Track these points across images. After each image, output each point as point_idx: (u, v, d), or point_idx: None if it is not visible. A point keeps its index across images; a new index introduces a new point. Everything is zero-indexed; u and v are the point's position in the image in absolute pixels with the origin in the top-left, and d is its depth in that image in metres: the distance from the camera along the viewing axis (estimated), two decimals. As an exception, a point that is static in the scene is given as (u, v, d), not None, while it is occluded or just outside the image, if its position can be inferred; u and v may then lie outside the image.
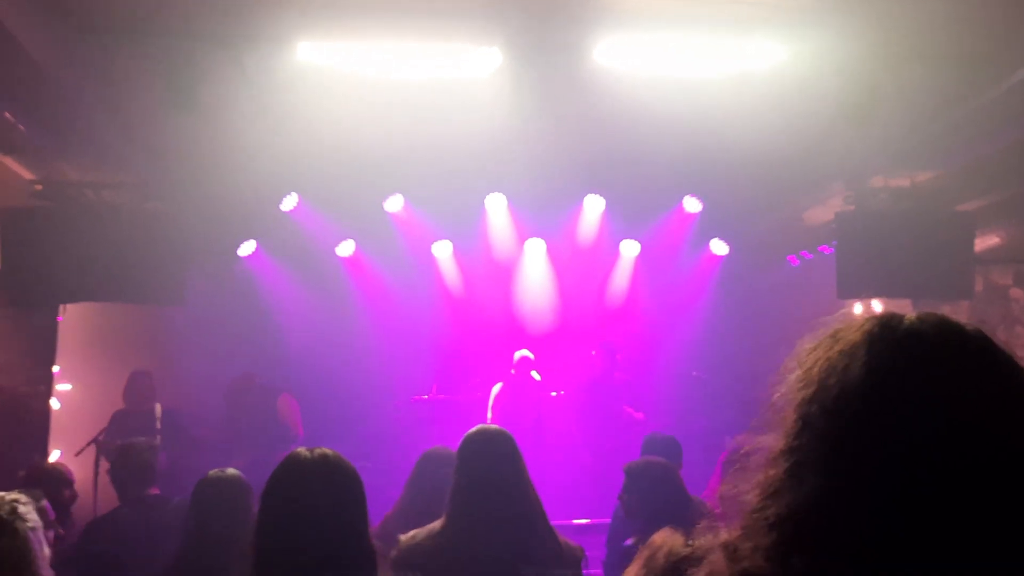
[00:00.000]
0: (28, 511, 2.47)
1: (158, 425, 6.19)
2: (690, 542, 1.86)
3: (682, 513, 1.95)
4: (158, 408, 6.32)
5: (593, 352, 7.43)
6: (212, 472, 3.23)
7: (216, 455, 5.69)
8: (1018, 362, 0.86)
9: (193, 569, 2.95)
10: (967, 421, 0.80)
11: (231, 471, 3.18)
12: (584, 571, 2.86)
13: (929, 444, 0.79)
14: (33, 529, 2.44)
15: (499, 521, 2.67)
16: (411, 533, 2.75)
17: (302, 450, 2.18)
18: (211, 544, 2.92)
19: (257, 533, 2.07)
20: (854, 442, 0.82)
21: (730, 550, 0.88)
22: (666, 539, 1.99)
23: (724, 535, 0.91)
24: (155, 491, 4.12)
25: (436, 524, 2.73)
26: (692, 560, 0.97)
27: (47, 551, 2.54)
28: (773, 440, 0.88)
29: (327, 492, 2.09)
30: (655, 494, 3.66)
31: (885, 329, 0.88)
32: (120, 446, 4.41)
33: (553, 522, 2.86)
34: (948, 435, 0.79)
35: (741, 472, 0.91)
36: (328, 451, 2.18)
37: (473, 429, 2.87)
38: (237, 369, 6.99)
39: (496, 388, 7.26)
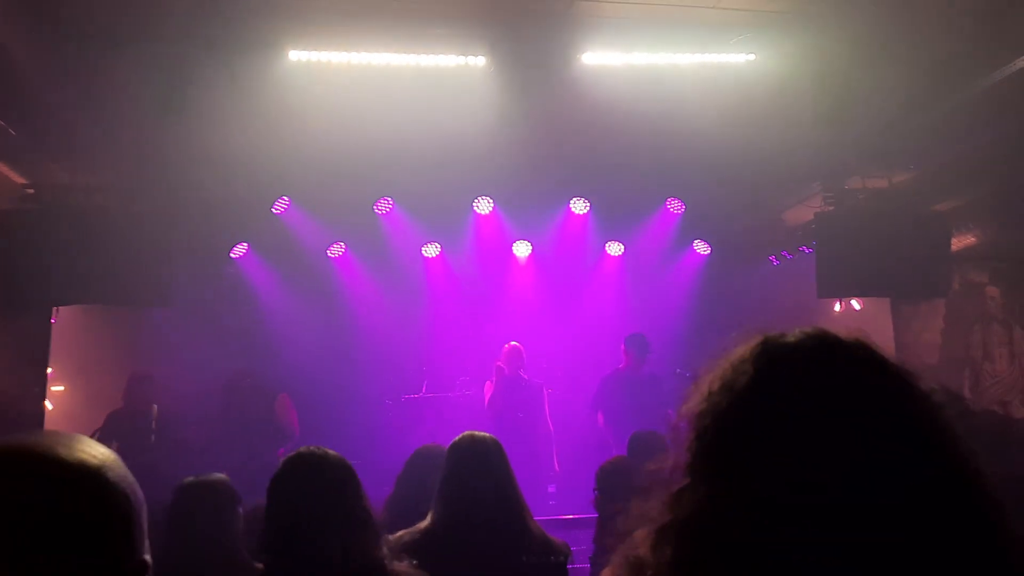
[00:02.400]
0: None
1: (153, 426, 6.20)
2: None
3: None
4: (155, 409, 6.30)
5: (624, 346, 7.24)
6: (187, 479, 3.03)
7: (209, 455, 5.70)
8: (899, 372, 0.91)
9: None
10: (839, 427, 0.85)
11: (216, 476, 3.00)
12: (570, 567, 2.91)
13: (801, 449, 0.84)
14: None
15: (485, 522, 2.74)
16: (398, 534, 2.79)
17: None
18: (190, 550, 2.82)
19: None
20: (737, 449, 0.88)
21: (636, 564, 0.94)
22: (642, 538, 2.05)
23: (633, 553, 0.95)
24: None
25: (422, 524, 2.80)
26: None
27: None
28: (676, 457, 0.94)
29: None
30: (619, 493, 3.75)
31: (769, 345, 0.95)
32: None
33: (542, 517, 2.91)
34: (820, 440, 0.84)
35: (650, 491, 0.96)
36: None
37: (461, 435, 2.95)
38: (229, 370, 7.01)
39: (487, 387, 7.31)
